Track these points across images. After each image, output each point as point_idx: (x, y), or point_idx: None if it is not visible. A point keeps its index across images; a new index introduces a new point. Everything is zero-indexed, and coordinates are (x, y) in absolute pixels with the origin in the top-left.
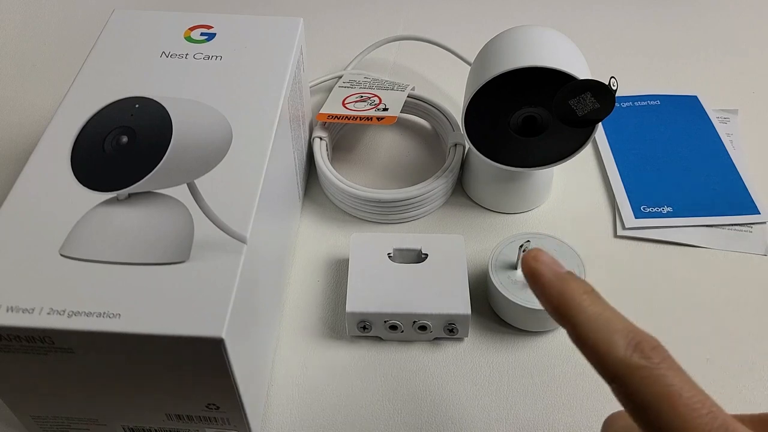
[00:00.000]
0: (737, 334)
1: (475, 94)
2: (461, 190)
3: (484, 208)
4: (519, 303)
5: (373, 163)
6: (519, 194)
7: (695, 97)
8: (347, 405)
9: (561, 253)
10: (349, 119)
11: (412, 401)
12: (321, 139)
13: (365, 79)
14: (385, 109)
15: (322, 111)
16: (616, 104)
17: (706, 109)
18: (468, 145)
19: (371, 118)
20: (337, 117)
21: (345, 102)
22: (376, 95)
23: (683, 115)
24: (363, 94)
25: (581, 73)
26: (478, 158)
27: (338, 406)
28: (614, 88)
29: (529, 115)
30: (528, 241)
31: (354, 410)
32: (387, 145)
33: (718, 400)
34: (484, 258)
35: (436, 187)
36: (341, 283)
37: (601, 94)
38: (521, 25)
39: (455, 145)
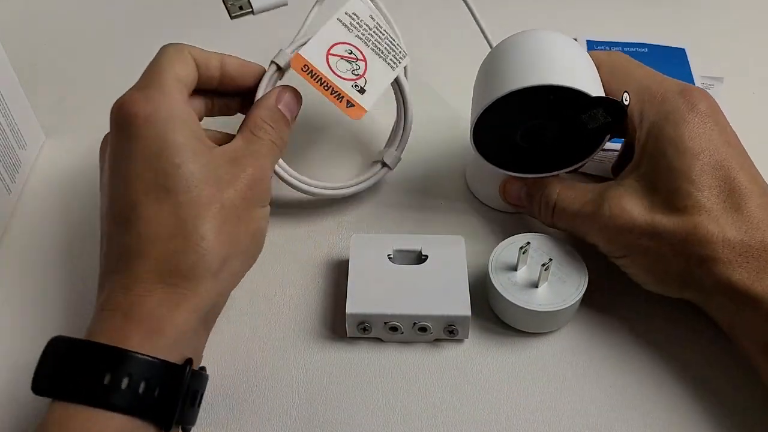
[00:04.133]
0: None
1: (482, 112)
2: (463, 192)
3: (491, 207)
4: (519, 304)
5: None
6: None
7: (683, 50)
8: (347, 406)
9: (561, 254)
10: (322, 85)
11: (412, 402)
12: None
13: (370, 19)
14: (362, 90)
15: (302, 52)
16: (605, 48)
17: (692, 73)
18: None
19: (342, 98)
20: (312, 73)
21: (330, 51)
22: (364, 57)
23: (668, 69)
24: (353, 49)
25: (592, 85)
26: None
27: (338, 407)
28: (626, 103)
29: (538, 127)
30: (528, 242)
31: (354, 411)
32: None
33: (718, 387)
34: (484, 259)
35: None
36: (341, 284)
37: (613, 110)
38: (526, 32)
39: (382, 163)
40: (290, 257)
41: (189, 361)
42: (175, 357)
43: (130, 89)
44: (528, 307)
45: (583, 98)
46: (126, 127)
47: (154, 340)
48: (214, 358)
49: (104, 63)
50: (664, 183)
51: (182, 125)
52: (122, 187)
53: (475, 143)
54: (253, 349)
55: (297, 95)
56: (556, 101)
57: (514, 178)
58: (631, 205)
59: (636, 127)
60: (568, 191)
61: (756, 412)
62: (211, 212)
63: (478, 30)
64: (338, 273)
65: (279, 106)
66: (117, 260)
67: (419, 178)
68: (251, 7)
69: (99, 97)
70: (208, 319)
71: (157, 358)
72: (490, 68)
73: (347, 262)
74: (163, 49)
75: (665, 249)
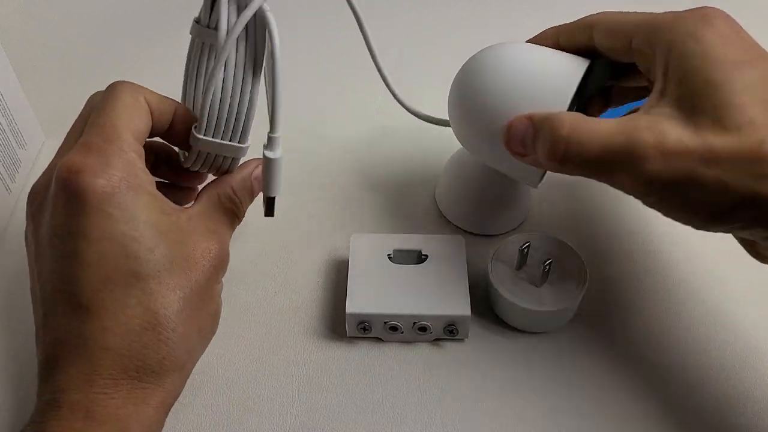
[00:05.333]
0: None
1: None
2: None
3: (477, 234)
4: (519, 304)
5: None
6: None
7: None
8: (347, 406)
9: (561, 253)
10: None
11: (412, 402)
12: None
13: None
14: None
15: None
16: None
17: None
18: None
19: None
20: None
21: None
22: None
23: None
24: None
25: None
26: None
27: (338, 406)
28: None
29: None
30: (528, 242)
31: (353, 411)
32: None
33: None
34: (484, 258)
35: None
36: (341, 284)
37: (608, 66)
38: (492, 51)
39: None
40: (290, 257)
41: None
42: None
43: (80, 148)
44: (528, 307)
45: (589, 72)
46: (79, 201)
47: None
48: (214, 357)
49: (104, 63)
50: (708, 100)
51: (148, 199)
52: (77, 269)
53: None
54: (252, 348)
55: None
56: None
57: (522, 116)
58: (675, 131)
59: (645, 60)
60: (581, 121)
61: (757, 408)
62: (181, 300)
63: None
64: (338, 272)
65: (252, 179)
66: (73, 350)
67: (420, 178)
68: None
69: None
70: (169, 409)
71: None
72: (485, 102)
73: (347, 261)
74: (117, 92)
75: (727, 174)
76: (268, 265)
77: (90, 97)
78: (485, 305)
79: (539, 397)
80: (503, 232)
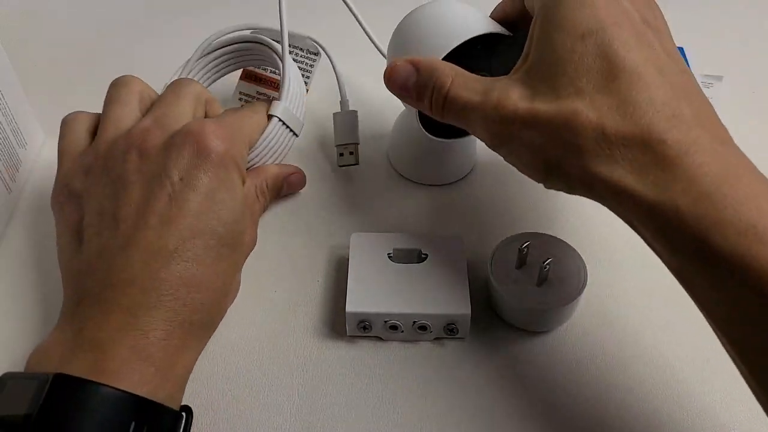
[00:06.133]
0: None
1: None
2: (463, 191)
3: (413, 181)
4: (519, 303)
5: None
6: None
7: (681, 48)
8: (347, 405)
9: (561, 253)
10: None
11: (412, 401)
12: None
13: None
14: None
15: None
16: None
17: (692, 71)
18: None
19: None
20: None
21: None
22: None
23: None
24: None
25: (498, 26)
26: (409, 133)
27: (338, 406)
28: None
29: None
30: (528, 241)
31: (353, 410)
32: None
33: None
34: (484, 258)
35: None
36: (341, 283)
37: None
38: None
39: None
40: (290, 256)
41: (188, 409)
42: (177, 403)
43: (216, 121)
44: (528, 306)
45: (503, 38)
46: (202, 155)
47: (169, 387)
48: (214, 356)
49: (104, 63)
50: (549, 69)
51: (241, 184)
52: (176, 214)
53: (425, 129)
54: (252, 347)
55: (303, 183)
56: (479, 51)
57: (404, 61)
58: (516, 95)
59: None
60: (461, 79)
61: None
62: (236, 271)
63: None
64: (338, 271)
65: (285, 181)
66: (147, 293)
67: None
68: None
69: (99, 97)
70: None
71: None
72: (405, 47)
73: (347, 260)
74: (257, 113)
75: (544, 139)
76: (268, 264)
77: (177, 82)
78: (485, 304)
79: (539, 396)
80: (449, 182)
